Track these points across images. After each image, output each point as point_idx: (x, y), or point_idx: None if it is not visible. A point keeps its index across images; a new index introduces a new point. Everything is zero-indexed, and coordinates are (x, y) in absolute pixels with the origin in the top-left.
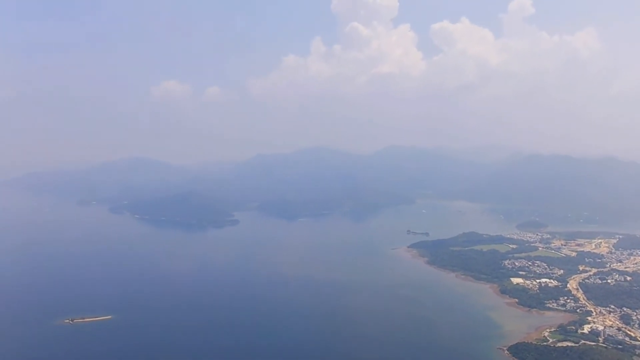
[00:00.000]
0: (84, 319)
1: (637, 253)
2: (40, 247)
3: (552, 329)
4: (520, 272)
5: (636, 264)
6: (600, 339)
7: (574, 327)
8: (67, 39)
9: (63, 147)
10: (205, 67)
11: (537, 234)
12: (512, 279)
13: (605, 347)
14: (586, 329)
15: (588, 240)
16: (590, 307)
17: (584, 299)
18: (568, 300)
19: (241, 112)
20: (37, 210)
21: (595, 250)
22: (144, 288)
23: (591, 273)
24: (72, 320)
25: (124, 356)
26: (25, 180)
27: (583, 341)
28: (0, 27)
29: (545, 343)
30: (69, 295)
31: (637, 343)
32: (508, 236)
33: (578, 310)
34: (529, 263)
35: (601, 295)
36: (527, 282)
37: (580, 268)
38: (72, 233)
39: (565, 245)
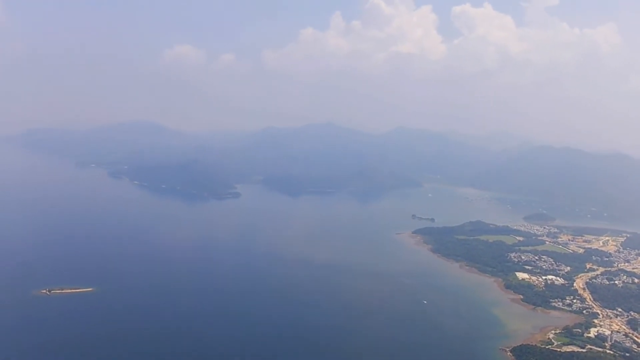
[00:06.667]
0: (62, 290)
1: None
2: (26, 210)
3: (558, 331)
4: (526, 267)
5: None
6: (607, 344)
7: (579, 330)
8: None
9: (68, 106)
10: (221, 33)
11: (545, 227)
12: (517, 274)
13: (613, 355)
14: (592, 332)
15: (595, 236)
16: (596, 309)
17: (590, 299)
18: (574, 300)
19: (254, 82)
20: (32, 170)
21: (602, 248)
22: (132, 259)
23: (598, 272)
24: (49, 291)
25: (94, 332)
26: (26, 137)
27: (589, 346)
28: None
29: (549, 346)
30: (51, 263)
31: None
32: (515, 227)
33: (584, 312)
34: (535, 257)
35: (608, 297)
36: (533, 278)
37: (588, 266)
38: (63, 196)
39: (572, 241)
